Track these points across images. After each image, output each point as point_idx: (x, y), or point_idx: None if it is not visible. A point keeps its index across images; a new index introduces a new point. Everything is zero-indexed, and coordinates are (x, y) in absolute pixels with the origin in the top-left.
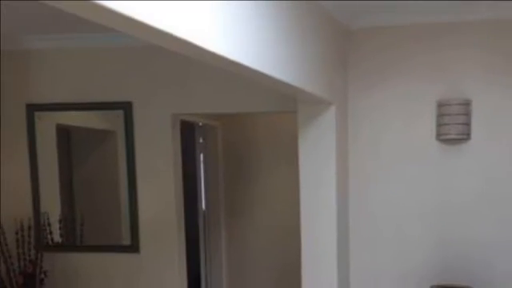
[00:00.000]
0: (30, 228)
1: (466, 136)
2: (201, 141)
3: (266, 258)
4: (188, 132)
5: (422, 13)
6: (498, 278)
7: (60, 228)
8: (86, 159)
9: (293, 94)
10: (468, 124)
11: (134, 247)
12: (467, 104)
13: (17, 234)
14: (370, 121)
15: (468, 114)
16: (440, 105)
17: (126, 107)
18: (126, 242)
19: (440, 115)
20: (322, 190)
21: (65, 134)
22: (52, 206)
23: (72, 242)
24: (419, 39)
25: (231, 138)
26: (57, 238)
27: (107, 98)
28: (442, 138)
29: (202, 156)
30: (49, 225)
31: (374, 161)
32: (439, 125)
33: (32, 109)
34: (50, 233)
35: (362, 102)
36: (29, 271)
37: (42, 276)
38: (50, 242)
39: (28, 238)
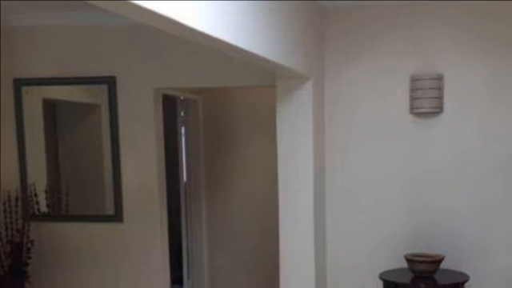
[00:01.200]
0: (17, 199)
1: (438, 109)
2: (182, 114)
3: (246, 227)
4: (170, 106)
5: None
6: (469, 247)
7: (46, 198)
8: (72, 132)
9: (271, 68)
10: (440, 98)
11: (117, 217)
12: (439, 79)
13: (4, 204)
14: (346, 95)
15: (440, 89)
16: (413, 79)
17: (110, 82)
18: (110, 211)
19: (413, 89)
20: (299, 161)
21: (51, 108)
22: (38, 178)
23: (58, 212)
24: (393, 17)
25: (212, 112)
26: (43, 208)
27: (92, 73)
28: (415, 111)
29: (183, 129)
30: (35, 195)
31: (349, 133)
32: (413, 99)
33: (19, 83)
34: (37, 203)
35: (338, 77)
36: (16, 240)
37: (29, 245)
38: (37, 212)
39: (15, 208)
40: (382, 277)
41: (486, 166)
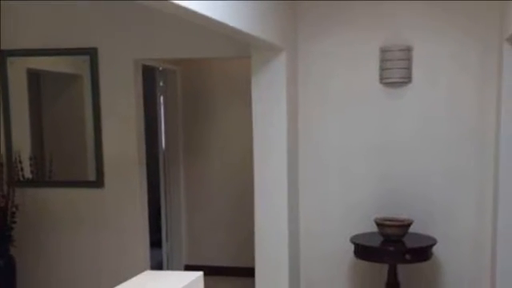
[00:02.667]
0: (2, 165)
1: (407, 79)
2: (161, 84)
3: (222, 191)
4: (149, 76)
5: None
6: (437, 211)
7: (30, 165)
8: (55, 101)
9: (247, 40)
10: (409, 68)
11: (98, 183)
12: (408, 50)
13: None
14: (319, 66)
15: (409, 60)
16: (383, 51)
17: (92, 53)
18: (92, 177)
19: (383, 60)
20: (273, 130)
21: (35, 78)
22: (23, 145)
23: (41, 178)
24: None
25: (189, 82)
26: (27, 175)
27: (74, 44)
28: (384, 81)
29: (162, 98)
30: (20, 162)
31: (321, 103)
32: (382, 69)
33: (4, 54)
34: (21, 169)
35: (311, 49)
36: (1, 205)
37: (14, 210)
38: (21, 178)
39: (0, 174)
40: (352, 240)
41: (453, 133)
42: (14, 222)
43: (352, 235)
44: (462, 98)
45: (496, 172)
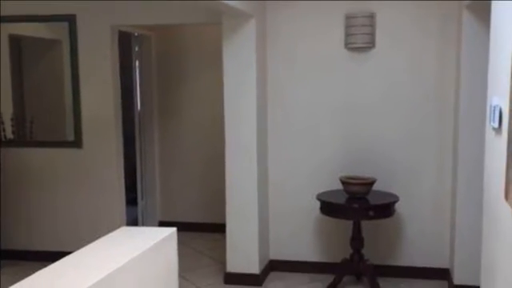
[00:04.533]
0: None
1: (370, 45)
2: (136, 49)
3: (195, 151)
4: (125, 41)
5: None
6: (400, 170)
7: (12, 126)
8: (36, 65)
9: (218, 7)
10: (372, 34)
11: (77, 143)
12: (372, 16)
13: None
14: (287, 32)
15: (372, 26)
16: (348, 17)
17: (71, 19)
18: (70, 138)
19: (348, 26)
20: (243, 93)
21: (16, 43)
22: (5, 107)
23: (23, 138)
24: None
25: (164, 47)
26: (9, 135)
27: (54, 11)
28: (349, 46)
29: (137, 63)
30: (2, 123)
31: (289, 67)
32: (347, 35)
33: None
34: (3, 130)
35: (279, 16)
36: None
37: None
38: (3, 139)
39: None
40: (319, 197)
41: (415, 96)
42: None
43: (318, 193)
44: (423, 62)
45: (456, 133)
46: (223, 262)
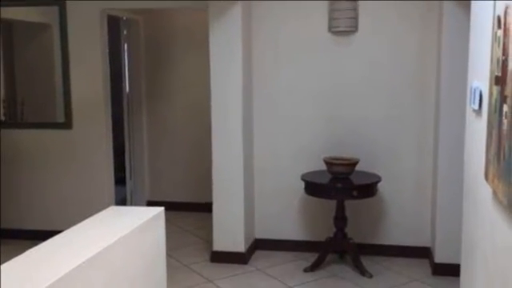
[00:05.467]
0: None
1: (353, 29)
2: (125, 33)
3: (182, 132)
4: (114, 25)
5: None
6: (382, 151)
7: (4, 108)
8: (26, 49)
9: None
10: (356, 18)
11: (67, 124)
12: (355, 1)
13: None
14: (271, 17)
15: (356, 10)
16: (331, 1)
17: (61, 3)
18: (61, 119)
19: (331, 10)
20: (229, 76)
21: (7, 27)
22: None
23: (14, 120)
24: None
25: (152, 31)
26: (0, 117)
27: None
28: (333, 30)
29: (125, 46)
30: None
31: (274, 51)
32: (331, 19)
33: None
34: None
35: (264, 1)
36: None
37: None
38: None
39: None
40: (303, 178)
41: (397, 79)
42: None
43: (303, 173)
44: (405, 46)
45: (437, 115)
46: (210, 241)
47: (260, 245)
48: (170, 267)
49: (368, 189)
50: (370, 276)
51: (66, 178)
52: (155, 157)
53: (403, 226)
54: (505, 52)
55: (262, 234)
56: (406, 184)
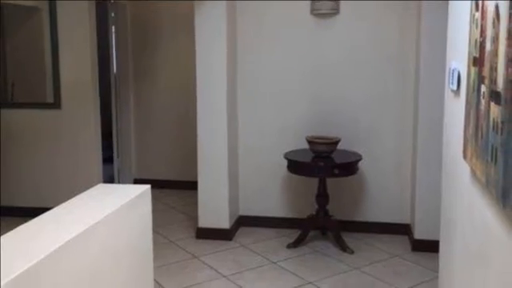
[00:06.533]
0: None
1: (335, 11)
2: (112, 15)
3: (168, 112)
4: (102, 8)
5: None
6: (363, 131)
7: None
8: (17, 32)
9: None
10: (337, 1)
11: (56, 104)
12: None
13: None
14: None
15: None
16: None
17: None
18: (50, 99)
19: None
20: (214, 57)
21: None
22: None
23: (4, 100)
24: None
25: (138, 14)
26: None
27: None
28: (315, 12)
29: (113, 28)
30: None
31: (258, 32)
32: (313, 1)
33: None
34: None
35: None
36: None
37: None
38: None
39: None
40: (286, 156)
41: (377, 61)
42: None
43: (285, 152)
44: (385, 28)
45: (416, 95)
46: (195, 218)
47: (244, 221)
48: (156, 243)
49: (349, 167)
50: (352, 252)
51: (56, 156)
52: (142, 136)
53: (384, 203)
54: (482, 34)
55: (246, 211)
56: (387, 163)
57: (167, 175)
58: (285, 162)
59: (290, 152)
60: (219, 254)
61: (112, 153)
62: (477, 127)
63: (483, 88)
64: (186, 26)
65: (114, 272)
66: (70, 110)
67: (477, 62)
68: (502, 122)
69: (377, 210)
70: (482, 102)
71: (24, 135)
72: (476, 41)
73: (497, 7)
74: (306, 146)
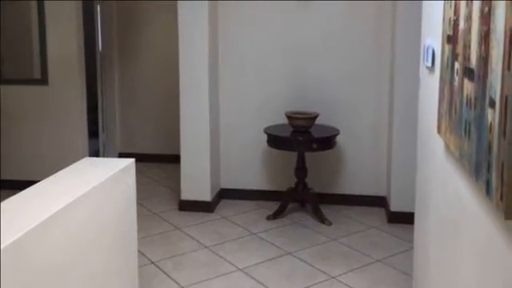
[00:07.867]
0: None
1: None
2: None
3: (152, 89)
4: None
5: None
6: (341, 106)
7: None
8: (4, 9)
9: None
10: None
11: (43, 80)
12: None
13: None
14: None
15: None
16: None
17: None
18: (37, 76)
19: None
20: (196, 35)
21: None
22: None
23: None
24: None
25: None
26: None
27: None
28: None
29: (98, 7)
30: None
31: (239, 11)
32: None
33: None
34: None
35: None
36: None
37: None
38: None
39: None
40: (266, 131)
41: (354, 38)
42: None
43: (265, 127)
44: (361, 7)
45: (392, 72)
46: (178, 191)
47: (225, 194)
48: (140, 215)
49: (327, 141)
50: (330, 224)
51: (43, 131)
52: (127, 111)
53: (360, 176)
54: (456, 12)
55: (227, 184)
56: (364, 137)
57: (151, 149)
58: (265, 137)
59: (270, 127)
60: (201, 226)
61: (97, 128)
62: (451, 103)
63: (457, 65)
64: (169, 4)
65: (99, 243)
66: (57, 85)
67: (451, 39)
68: (475, 98)
69: (354, 183)
70: (456, 78)
71: (12, 110)
72: (450, 19)
73: None
74: (285, 121)
